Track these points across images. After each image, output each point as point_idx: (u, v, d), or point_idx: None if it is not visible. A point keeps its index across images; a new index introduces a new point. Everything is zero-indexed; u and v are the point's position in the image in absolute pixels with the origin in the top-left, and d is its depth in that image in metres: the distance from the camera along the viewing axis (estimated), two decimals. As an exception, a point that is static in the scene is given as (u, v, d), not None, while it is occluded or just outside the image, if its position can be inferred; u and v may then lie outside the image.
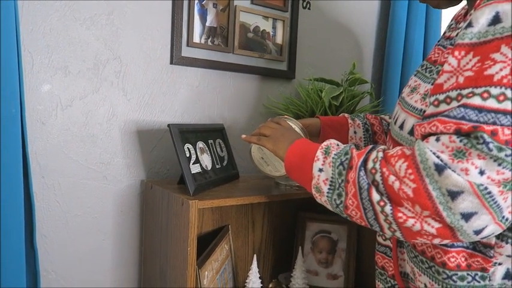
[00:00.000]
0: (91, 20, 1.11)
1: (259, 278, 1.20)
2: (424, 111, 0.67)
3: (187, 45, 1.25)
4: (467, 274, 0.66)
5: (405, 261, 0.78)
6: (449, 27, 0.81)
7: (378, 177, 0.62)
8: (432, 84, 0.68)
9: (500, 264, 0.65)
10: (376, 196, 0.62)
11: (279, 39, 1.43)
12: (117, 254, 1.20)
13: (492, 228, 0.57)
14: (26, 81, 1.03)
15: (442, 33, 1.63)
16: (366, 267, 1.37)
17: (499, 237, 0.64)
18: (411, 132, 0.70)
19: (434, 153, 0.57)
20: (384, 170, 0.62)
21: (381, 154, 0.64)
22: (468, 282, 0.66)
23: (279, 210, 1.41)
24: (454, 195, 0.55)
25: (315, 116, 1.09)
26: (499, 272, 0.65)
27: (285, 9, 1.42)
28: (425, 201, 0.57)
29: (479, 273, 0.65)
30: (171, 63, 1.23)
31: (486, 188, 0.54)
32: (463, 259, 0.66)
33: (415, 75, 0.78)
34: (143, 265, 1.21)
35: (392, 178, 0.60)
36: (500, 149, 0.53)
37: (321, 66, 1.55)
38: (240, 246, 1.34)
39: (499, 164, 0.53)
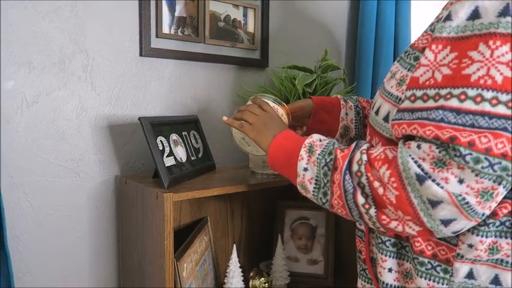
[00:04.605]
0: (54, 12, 1.07)
1: (240, 267, 1.20)
2: (399, 98, 0.67)
3: (157, 37, 1.22)
4: (428, 262, 0.68)
5: (374, 247, 0.79)
6: (437, 16, 0.80)
7: (363, 179, 0.64)
8: (408, 70, 0.68)
9: (462, 257, 0.65)
10: (361, 199, 0.64)
11: (250, 28, 1.41)
12: (94, 251, 1.18)
13: (467, 224, 0.59)
14: (-13, 78, 0.99)
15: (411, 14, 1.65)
16: (345, 252, 1.39)
17: None
18: (386, 119, 0.71)
19: (416, 162, 0.58)
20: (369, 174, 0.63)
21: (364, 157, 0.65)
22: (427, 269, 0.68)
23: (257, 200, 1.41)
24: (434, 204, 0.57)
25: (308, 96, 1.08)
26: (462, 271, 0.66)
27: (255, -4, 1.41)
28: (407, 208, 0.59)
29: (443, 266, 0.67)
30: (141, 55, 1.20)
31: (464, 199, 0.55)
32: (429, 247, 0.68)
33: (397, 61, 0.77)
34: (121, 261, 1.20)
35: (377, 184, 0.62)
36: (477, 161, 0.53)
37: (293, 53, 1.54)
38: (220, 237, 1.34)
39: (477, 175, 0.54)
